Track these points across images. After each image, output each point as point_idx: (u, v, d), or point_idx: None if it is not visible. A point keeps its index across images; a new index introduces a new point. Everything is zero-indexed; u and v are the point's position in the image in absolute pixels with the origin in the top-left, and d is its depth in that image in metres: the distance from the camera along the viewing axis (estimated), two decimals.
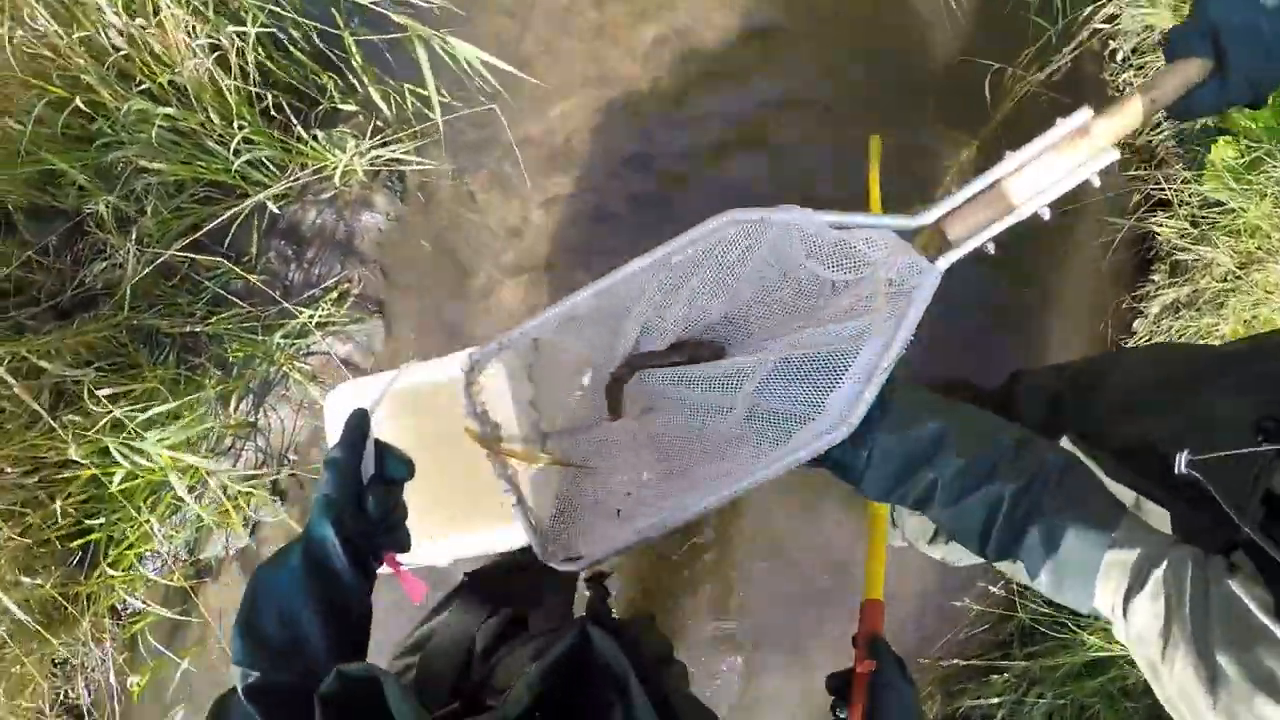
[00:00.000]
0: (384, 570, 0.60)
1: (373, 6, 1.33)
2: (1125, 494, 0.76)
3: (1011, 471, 0.54)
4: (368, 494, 0.55)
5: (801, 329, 0.72)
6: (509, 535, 0.80)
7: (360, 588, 0.55)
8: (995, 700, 1.32)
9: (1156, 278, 1.53)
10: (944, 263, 0.69)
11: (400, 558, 0.60)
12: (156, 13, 1.28)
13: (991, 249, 0.70)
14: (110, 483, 1.34)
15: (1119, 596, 0.51)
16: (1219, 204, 1.42)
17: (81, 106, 1.34)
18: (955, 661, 1.39)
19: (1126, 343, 1.50)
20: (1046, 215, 0.68)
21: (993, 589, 1.32)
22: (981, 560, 0.59)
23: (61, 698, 1.64)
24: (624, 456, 0.78)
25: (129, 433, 1.28)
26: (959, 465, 0.55)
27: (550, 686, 0.45)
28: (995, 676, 1.34)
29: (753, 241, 0.74)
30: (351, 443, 0.56)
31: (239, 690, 0.49)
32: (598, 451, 0.79)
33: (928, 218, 0.71)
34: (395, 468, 0.58)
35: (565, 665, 0.47)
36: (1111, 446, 0.80)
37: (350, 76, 1.39)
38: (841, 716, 0.62)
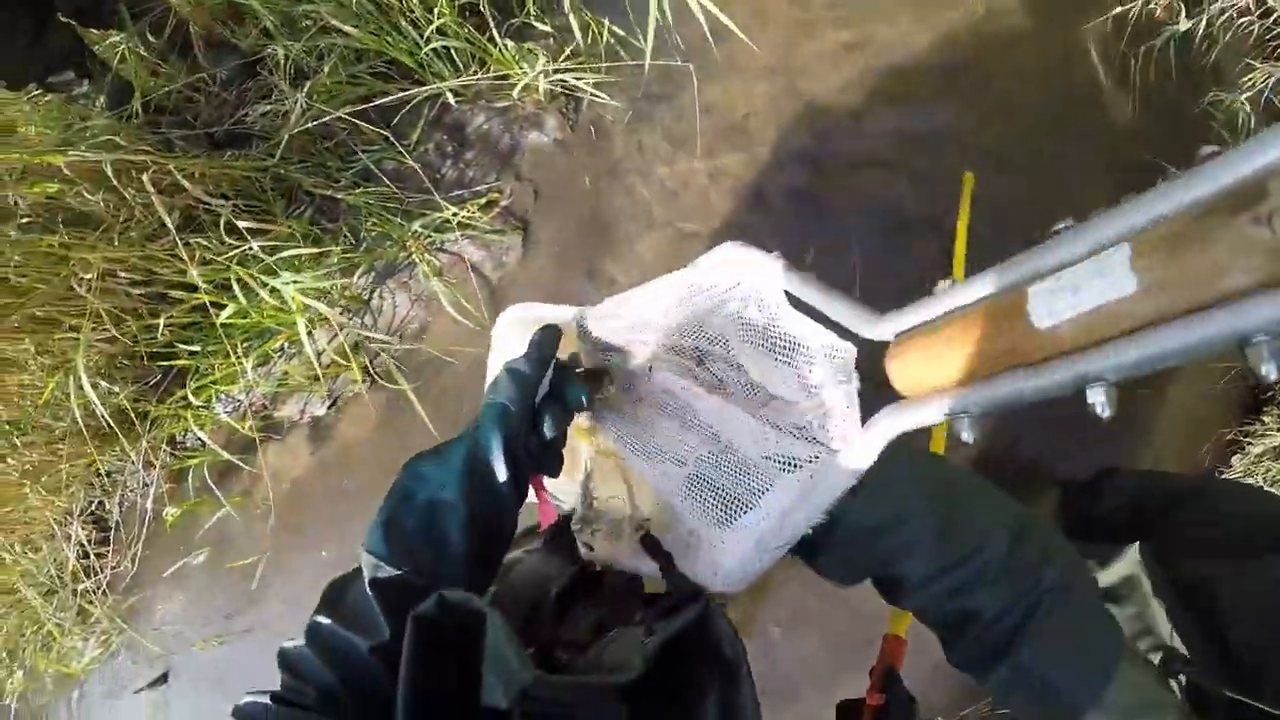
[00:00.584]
0: None
1: None
2: (1163, 623, 0.77)
3: (995, 587, 0.47)
4: (544, 413, 0.53)
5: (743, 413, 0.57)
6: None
7: (514, 507, 0.53)
8: None
9: (1267, 419, 1.51)
10: (853, 445, 0.46)
11: None
12: None
13: (970, 436, 0.37)
14: (217, 316, 1.36)
15: None
16: None
17: None
18: None
19: (1222, 473, 1.49)
20: (1105, 413, 0.33)
21: None
22: None
23: (93, 508, 1.66)
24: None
25: (259, 269, 1.30)
26: (934, 569, 0.48)
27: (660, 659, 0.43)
28: None
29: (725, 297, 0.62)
30: (540, 358, 0.54)
31: (365, 580, 0.47)
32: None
33: (887, 326, 0.46)
34: (575, 394, 0.55)
35: (680, 641, 0.45)
36: (1172, 575, 0.78)
37: None
38: None
